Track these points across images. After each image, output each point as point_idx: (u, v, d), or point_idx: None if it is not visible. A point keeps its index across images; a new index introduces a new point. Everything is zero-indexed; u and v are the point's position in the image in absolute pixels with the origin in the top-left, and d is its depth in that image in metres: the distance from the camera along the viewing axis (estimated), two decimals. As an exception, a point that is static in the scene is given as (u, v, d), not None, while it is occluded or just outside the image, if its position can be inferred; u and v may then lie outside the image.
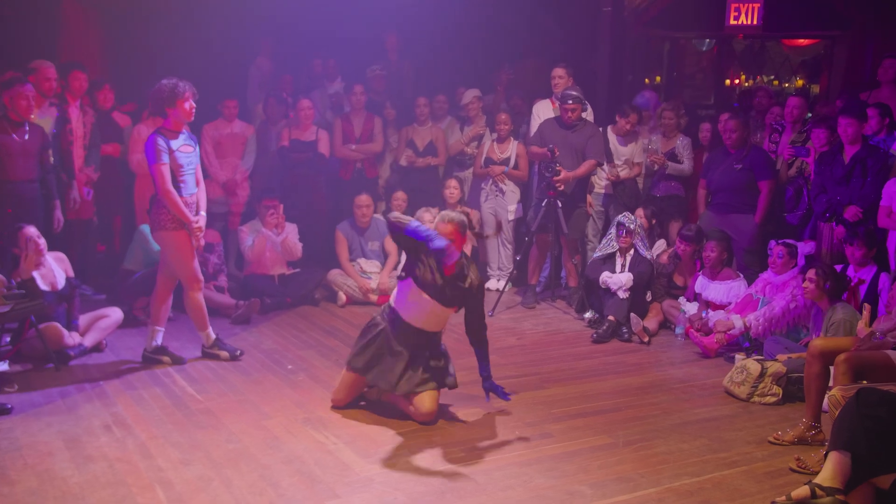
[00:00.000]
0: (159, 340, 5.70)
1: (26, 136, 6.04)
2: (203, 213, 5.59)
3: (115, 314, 5.97)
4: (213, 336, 5.80)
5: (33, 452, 4.14)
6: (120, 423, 4.56)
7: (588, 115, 7.57)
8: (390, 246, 7.61)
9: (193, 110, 5.38)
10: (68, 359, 5.51)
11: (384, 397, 4.89)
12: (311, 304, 7.36)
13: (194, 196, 5.51)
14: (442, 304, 4.68)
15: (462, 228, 4.70)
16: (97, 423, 4.56)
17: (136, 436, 4.39)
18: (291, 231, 7.42)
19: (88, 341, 5.73)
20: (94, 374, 5.39)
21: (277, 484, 3.88)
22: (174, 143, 5.34)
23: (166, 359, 5.66)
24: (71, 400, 4.90)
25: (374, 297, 7.38)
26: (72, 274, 5.85)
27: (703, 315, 6.43)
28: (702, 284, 6.63)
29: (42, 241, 5.57)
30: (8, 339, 5.49)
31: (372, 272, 7.55)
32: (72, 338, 5.62)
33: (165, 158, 5.28)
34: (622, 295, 6.62)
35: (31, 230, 5.55)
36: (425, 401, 4.65)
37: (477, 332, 4.85)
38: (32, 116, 6.40)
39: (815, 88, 11.35)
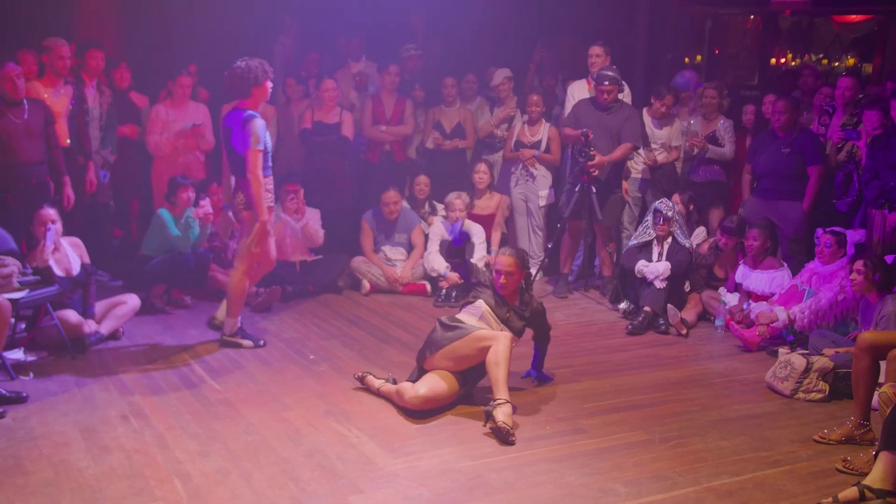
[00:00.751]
0: (239, 323, 5.87)
1: (26, 115, 6.09)
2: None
3: (132, 301, 6.03)
4: (239, 325, 5.85)
5: (49, 442, 4.19)
6: (137, 414, 4.60)
7: (625, 96, 7.50)
8: (417, 238, 7.61)
9: (270, 92, 5.61)
10: (85, 347, 5.58)
11: (382, 390, 4.90)
12: (334, 291, 7.39)
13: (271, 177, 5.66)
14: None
15: (523, 264, 5.10)
16: (114, 412, 4.60)
17: (153, 426, 4.43)
18: (313, 217, 7.44)
19: (105, 329, 5.79)
20: (110, 362, 5.45)
21: (298, 478, 3.90)
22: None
23: (247, 342, 5.81)
24: (87, 389, 4.96)
25: (399, 287, 7.39)
26: (87, 260, 5.92)
27: (745, 306, 6.37)
28: (743, 274, 6.56)
29: (58, 226, 5.63)
30: (23, 326, 5.57)
31: (397, 259, 7.56)
32: (88, 325, 5.68)
33: (262, 145, 5.43)
34: (659, 285, 6.57)
35: (50, 212, 5.61)
36: (427, 382, 4.73)
37: (543, 339, 5.34)
38: (46, 95, 6.46)
39: (868, 68, 11.16)
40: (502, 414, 4.41)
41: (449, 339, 4.80)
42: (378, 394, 4.91)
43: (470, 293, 5.17)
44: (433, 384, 4.72)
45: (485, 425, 4.49)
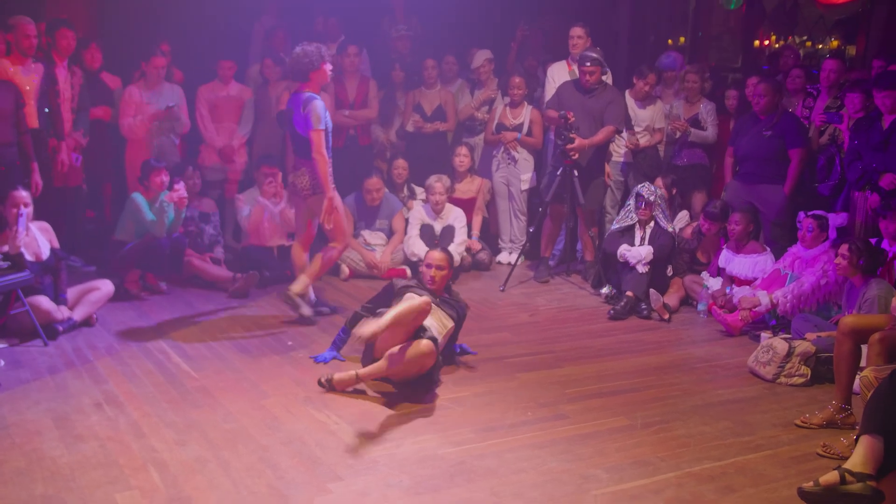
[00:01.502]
0: (313, 295, 6.19)
1: None
2: None
3: (106, 287, 5.98)
4: (311, 294, 6.22)
5: (21, 431, 4.16)
6: (111, 401, 4.58)
7: (608, 79, 7.50)
8: (398, 224, 7.60)
9: (330, 74, 5.86)
10: (56, 334, 5.53)
11: (363, 373, 4.77)
12: (312, 277, 7.36)
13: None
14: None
15: (452, 261, 5.39)
16: (87, 400, 4.57)
17: (128, 414, 4.41)
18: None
19: (78, 315, 5.75)
20: (84, 349, 5.41)
21: (277, 465, 3.90)
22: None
23: (325, 309, 6.21)
24: (60, 377, 4.92)
25: (379, 272, 7.37)
26: (57, 244, 5.86)
27: (728, 291, 6.41)
28: (726, 258, 6.60)
29: (29, 210, 5.57)
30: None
31: (376, 244, 7.54)
32: (60, 312, 5.64)
33: (323, 124, 5.69)
34: (641, 269, 6.60)
35: (23, 195, 5.55)
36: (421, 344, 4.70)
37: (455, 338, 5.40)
38: (13, 70, 6.35)
39: (852, 50, 11.20)
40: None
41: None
42: (358, 382, 4.79)
43: (396, 294, 5.20)
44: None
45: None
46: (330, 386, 4.78)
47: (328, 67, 5.80)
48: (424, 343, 4.65)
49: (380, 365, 4.73)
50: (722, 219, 6.75)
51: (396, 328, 4.67)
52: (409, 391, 4.79)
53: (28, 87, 6.40)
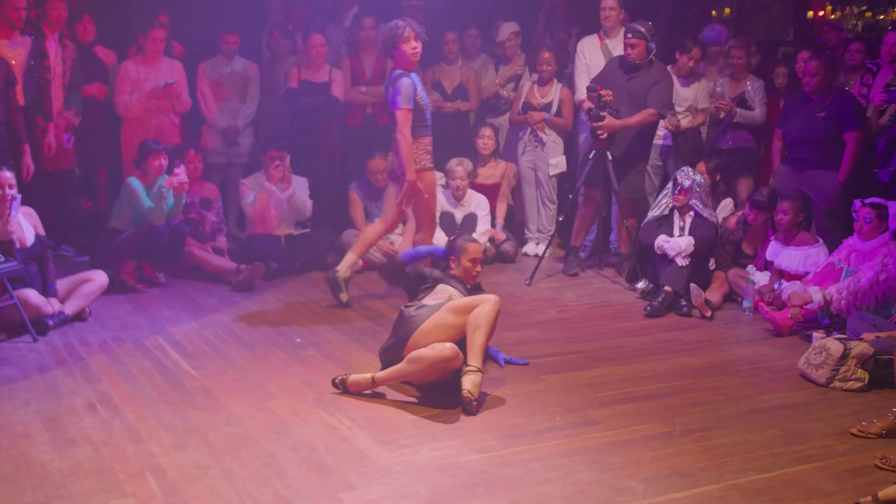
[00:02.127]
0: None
1: None
2: None
3: (100, 278, 6.01)
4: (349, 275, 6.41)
5: (8, 434, 4.19)
6: (106, 402, 4.60)
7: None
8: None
9: (416, 52, 6.05)
10: (46, 329, 5.56)
11: (380, 377, 4.78)
12: (322, 269, 7.35)
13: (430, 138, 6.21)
14: None
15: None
16: (80, 401, 4.60)
17: (123, 417, 4.43)
18: (300, 186, 7.41)
19: (69, 309, 5.78)
20: (76, 346, 5.44)
21: (284, 473, 3.90)
22: (418, 84, 6.09)
23: (345, 296, 6.34)
24: (50, 375, 4.95)
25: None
26: (42, 231, 5.88)
27: (776, 286, 6.36)
28: (774, 251, 6.55)
29: (13, 192, 5.59)
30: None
31: (396, 233, 7.53)
32: (50, 305, 5.67)
33: (410, 103, 6.00)
34: (680, 262, 6.55)
35: (8, 175, 5.55)
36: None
37: None
38: None
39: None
40: (469, 382, 4.55)
41: (424, 317, 4.85)
42: (375, 386, 4.78)
43: (425, 282, 5.22)
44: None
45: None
46: (344, 387, 4.78)
47: (408, 46, 5.99)
48: (448, 346, 4.65)
49: (399, 368, 4.73)
50: (769, 208, 6.69)
51: (434, 328, 4.80)
52: (430, 395, 4.78)
53: (14, 62, 6.43)
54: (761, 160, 7.73)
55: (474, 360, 4.63)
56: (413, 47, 6.02)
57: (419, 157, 6.18)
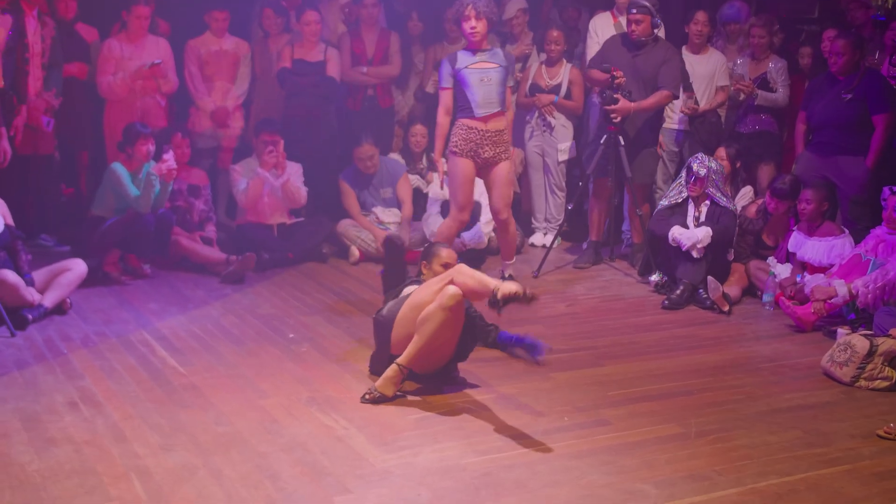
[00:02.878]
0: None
1: None
2: None
3: (78, 267, 6.00)
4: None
5: (-15, 433, 4.21)
6: (88, 400, 4.61)
7: (660, 32, 7.41)
8: (404, 191, 7.61)
9: (474, 31, 6.23)
10: (26, 323, 5.57)
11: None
12: (317, 260, 7.39)
13: (487, 118, 6.31)
14: None
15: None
16: (60, 399, 4.61)
17: (107, 415, 4.44)
18: (294, 173, 7.41)
19: (48, 301, 5.78)
20: (56, 341, 5.45)
21: (277, 475, 3.91)
22: (463, 62, 6.29)
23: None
24: (29, 372, 4.96)
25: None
26: (11, 222, 5.86)
27: (798, 279, 6.36)
28: (797, 242, 6.54)
29: None
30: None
31: (391, 223, 7.55)
32: (29, 293, 5.66)
33: (447, 83, 6.35)
34: (695, 254, 6.54)
35: None
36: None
37: None
38: None
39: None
40: (506, 288, 4.45)
41: (397, 309, 4.86)
42: (404, 373, 4.72)
43: (399, 288, 5.20)
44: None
45: (499, 312, 4.51)
46: (379, 395, 4.67)
47: (467, 24, 6.21)
48: (451, 290, 4.59)
49: (416, 340, 4.67)
50: (791, 196, 6.68)
51: (416, 310, 4.75)
52: (430, 391, 4.79)
53: None
54: (784, 145, 7.71)
55: (493, 284, 4.55)
56: (472, 26, 6.19)
57: (453, 139, 6.37)
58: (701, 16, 7.54)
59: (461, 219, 6.53)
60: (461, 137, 6.34)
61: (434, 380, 4.87)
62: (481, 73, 6.26)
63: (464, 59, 6.30)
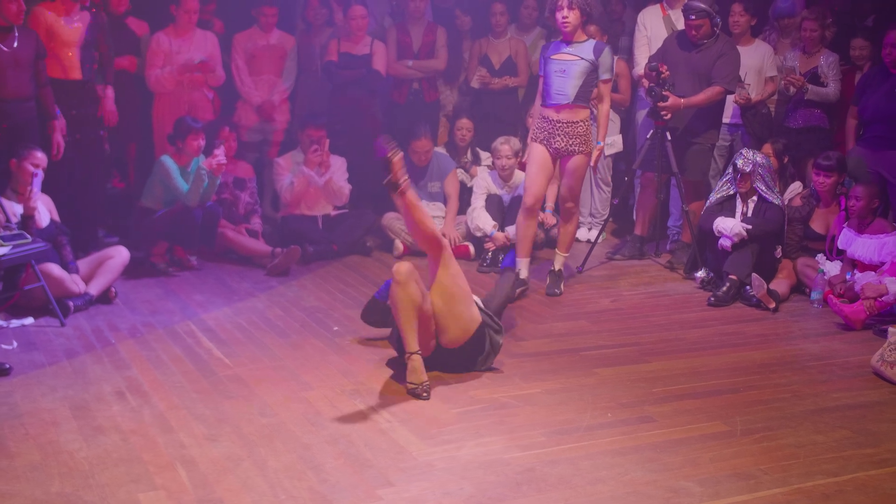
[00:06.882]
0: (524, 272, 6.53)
1: (15, 44, 6.11)
2: None
3: (121, 255, 6.08)
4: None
5: (35, 421, 4.27)
6: (135, 390, 4.67)
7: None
8: (451, 187, 7.60)
9: (565, 20, 6.20)
10: (68, 311, 5.64)
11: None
12: (361, 253, 7.41)
13: (560, 108, 6.31)
14: None
15: None
16: (108, 388, 4.68)
17: (153, 405, 4.50)
18: (338, 169, 7.45)
19: (94, 289, 5.87)
20: (104, 331, 5.53)
21: (320, 467, 3.94)
22: (551, 52, 6.34)
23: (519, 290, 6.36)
24: (78, 361, 5.04)
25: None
26: (57, 217, 5.99)
27: (848, 277, 6.28)
28: (847, 239, 6.45)
29: (39, 174, 5.72)
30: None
31: (436, 216, 7.54)
32: (74, 283, 5.75)
33: (541, 70, 6.44)
34: (724, 242, 6.46)
35: (39, 155, 5.72)
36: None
37: None
38: (52, 21, 6.46)
39: None
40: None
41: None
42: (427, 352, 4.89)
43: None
44: None
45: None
46: (414, 385, 4.69)
47: (559, 14, 6.19)
48: (395, 267, 4.77)
49: (399, 327, 4.79)
50: (839, 170, 6.57)
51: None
52: (475, 385, 4.81)
53: (70, 38, 6.48)
54: (834, 141, 7.60)
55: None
56: (564, 16, 6.17)
57: (533, 126, 6.48)
58: (737, 7, 7.44)
59: (527, 204, 6.45)
60: (537, 125, 6.40)
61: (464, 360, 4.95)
62: (561, 64, 6.25)
63: (554, 48, 6.34)
